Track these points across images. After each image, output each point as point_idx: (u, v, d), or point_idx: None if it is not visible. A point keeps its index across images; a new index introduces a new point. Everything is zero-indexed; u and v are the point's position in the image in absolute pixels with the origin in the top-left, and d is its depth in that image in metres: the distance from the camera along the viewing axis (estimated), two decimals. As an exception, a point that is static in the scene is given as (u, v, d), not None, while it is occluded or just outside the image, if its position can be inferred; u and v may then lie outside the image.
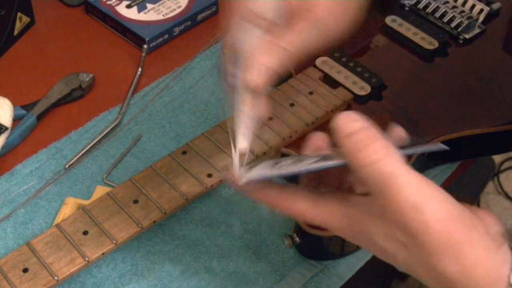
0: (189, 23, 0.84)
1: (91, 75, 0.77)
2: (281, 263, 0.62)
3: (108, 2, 0.85)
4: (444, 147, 0.45)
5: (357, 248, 0.63)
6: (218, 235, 0.64)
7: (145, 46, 0.80)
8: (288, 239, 0.61)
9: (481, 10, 0.79)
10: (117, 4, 0.84)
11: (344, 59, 0.72)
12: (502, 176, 1.60)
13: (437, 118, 0.68)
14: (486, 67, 0.75)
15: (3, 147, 0.68)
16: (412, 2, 0.80)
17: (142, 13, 0.83)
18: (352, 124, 0.42)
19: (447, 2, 0.79)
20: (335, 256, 0.63)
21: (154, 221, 0.59)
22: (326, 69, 0.71)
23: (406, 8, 0.80)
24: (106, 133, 0.71)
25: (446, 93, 0.71)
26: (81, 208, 0.59)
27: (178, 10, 0.84)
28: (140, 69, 0.78)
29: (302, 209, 0.47)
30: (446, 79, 0.73)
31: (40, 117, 0.73)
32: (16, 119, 0.71)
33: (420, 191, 0.41)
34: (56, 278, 0.54)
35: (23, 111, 0.72)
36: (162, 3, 0.85)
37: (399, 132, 0.48)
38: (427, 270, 0.42)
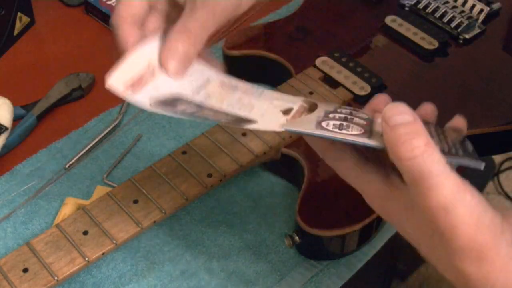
0: (189, 23, 0.84)
1: (91, 75, 0.77)
2: (281, 263, 0.62)
3: (108, 2, 0.85)
4: (482, 166, 0.45)
5: (357, 248, 0.63)
6: (218, 235, 0.64)
7: (145, 46, 0.80)
8: (288, 239, 0.61)
9: (481, 10, 0.79)
10: (117, 4, 0.84)
11: (344, 59, 0.72)
12: (502, 176, 1.60)
13: (437, 118, 0.68)
14: (486, 67, 0.75)
15: (3, 147, 0.68)
16: (412, 2, 0.80)
17: (142, 13, 0.83)
18: (400, 117, 0.42)
19: (447, 2, 0.79)
20: (335, 256, 0.63)
21: (154, 221, 0.59)
22: (326, 69, 0.71)
23: (406, 8, 0.80)
24: (106, 133, 0.71)
25: (446, 93, 0.71)
26: (81, 208, 0.59)
27: (178, 10, 0.84)
28: (140, 69, 0.78)
29: (347, 167, 0.48)
30: (446, 79, 0.73)
31: (40, 117, 0.73)
32: (16, 119, 0.71)
33: (453, 194, 0.41)
34: (56, 278, 0.54)
35: (23, 111, 0.72)
36: (162, 3, 0.85)
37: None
38: (448, 266, 0.43)
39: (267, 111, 0.48)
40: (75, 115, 0.74)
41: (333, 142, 0.48)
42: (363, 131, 0.45)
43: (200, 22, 0.48)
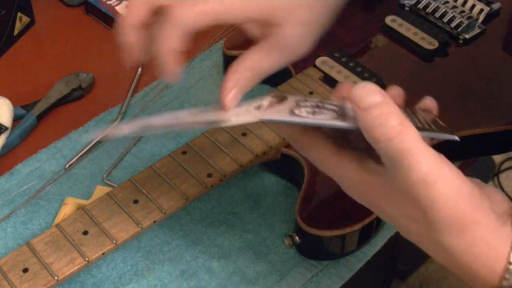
0: (189, 23, 0.84)
1: (91, 75, 0.77)
2: (281, 263, 0.62)
3: (108, 2, 0.85)
4: (456, 138, 0.45)
5: (357, 248, 0.63)
6: (218, 235, 0.64)
7: (145, 46, 0.80)
8: (288, 239, 0.61)
9: (481, 10, 0.79)
10: (117, 4, 0.84)
11: (344, 59, 0.72)
12: (502, 176, 1.59)
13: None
14: (486, 67, 0.75)
15: (3, 147, 0.68)
16: (412, 2, 0.80)
17: (142, 13, 0.83)
18: (370, 98, 0.42)
19: (447, 2, 0.79)
20: (335, 256, 0.63)
21: (154, 221, 0.59)
22: (326, 69, 0.71)
23: (406, 8, 0.80)
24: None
25: (446, 93, 0.71)
26: (81, 208, 0.59)
27: (178, 10, 0.84)
28: (140, 69, 0.78)
29: (321, 157, 0.47)
30: (446, 79, 0.73)
31: (40, 117, 0.73)
32: (16, 119, 0.71)
33: (432, 168, 0.41)
34: (56, 278, 0.54)
35: (23, 111, 0.72)
36: (162, 3, 0.84)
37: (429, 102, 0.49)
38: (431, 242, 0.43)
39: (241, 110, 0.49)
40: (75, 115, 0.74)
41: (304, 131, 0.48)
42: (336, 115, 0.44)
43: None
